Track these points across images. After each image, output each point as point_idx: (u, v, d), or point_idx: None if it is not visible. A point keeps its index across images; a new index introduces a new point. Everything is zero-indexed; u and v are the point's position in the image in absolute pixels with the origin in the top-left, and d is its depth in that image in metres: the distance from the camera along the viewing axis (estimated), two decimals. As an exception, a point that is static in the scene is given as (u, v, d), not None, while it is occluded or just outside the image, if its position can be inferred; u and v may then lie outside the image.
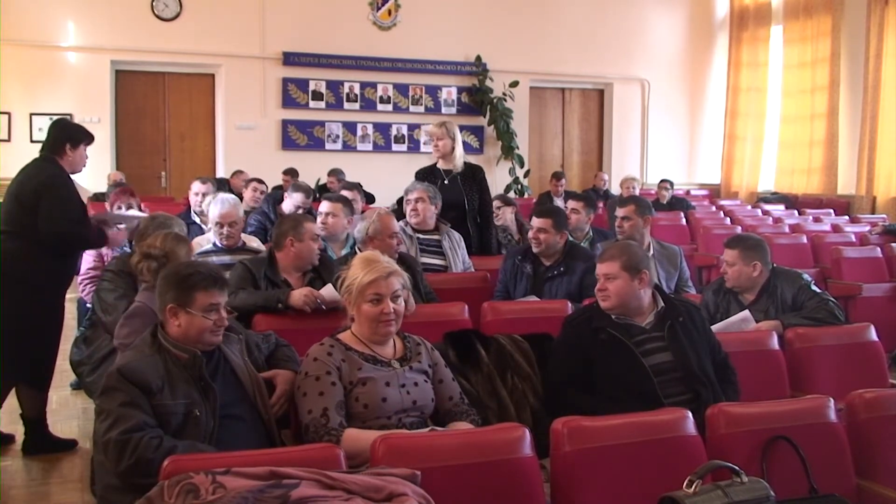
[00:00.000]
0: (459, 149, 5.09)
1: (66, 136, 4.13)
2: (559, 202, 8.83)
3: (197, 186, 6.12)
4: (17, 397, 4.15)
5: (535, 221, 4.34)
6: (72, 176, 4.13)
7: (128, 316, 3.09)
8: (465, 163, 5.12)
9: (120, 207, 5.23)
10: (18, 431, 4.23)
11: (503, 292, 4.40)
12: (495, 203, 6.31)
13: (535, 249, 4.34)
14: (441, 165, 5.10)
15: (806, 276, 4.05)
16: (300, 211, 5.94)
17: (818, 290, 3.99)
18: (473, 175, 5.11)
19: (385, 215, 4.07)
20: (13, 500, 3.62)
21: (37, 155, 4.17)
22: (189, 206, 6.15)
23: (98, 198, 8.33)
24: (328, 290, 3.39)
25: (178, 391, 2.39)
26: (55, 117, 8.55)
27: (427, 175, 5.10)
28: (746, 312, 3.80)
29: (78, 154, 4.15)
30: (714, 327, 3.69)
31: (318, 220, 4.79)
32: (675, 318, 2.99)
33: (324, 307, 3.40)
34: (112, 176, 9.18)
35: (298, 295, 3.39)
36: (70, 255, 4.27)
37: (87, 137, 4.20)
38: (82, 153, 4.18)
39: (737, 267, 3.97)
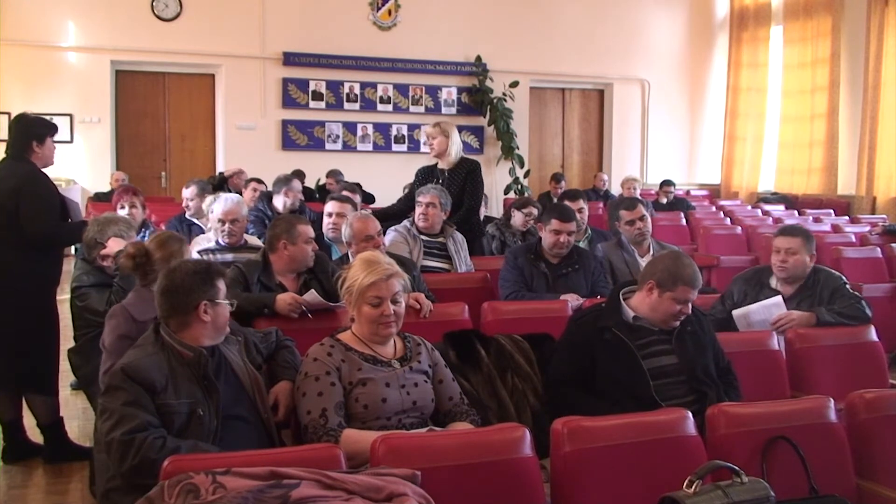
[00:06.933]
0: (455, 146, 5.10)
1: (31, 133, 3.95)
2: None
3: (191, 192, 5.96)
4: (27, 407, 4.07)
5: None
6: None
7: (107, 318, 3.09)
8: (462, 158, 5.12)
9: (123, 207, 5.21)
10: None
11: (520, 288, 4.22)
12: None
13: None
14: (440, 165, 5.14)
15: (844, 278, 3.99)
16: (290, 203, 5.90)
17: (852, 292, 3.92)
18: (466, 169, 5.10)
19: (357, 220, 3.99)
20: (13, 500, 3.62)
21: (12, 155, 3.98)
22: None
23: (100, 198, 8.33)
24: (312, 295, 3.39)
25: (181, 390, 2.38)
26: (56, 117, 8.57)
27: (428, 174, 5.14)
28: (779, 298, 3.74)
29: (47, 148, 3.98)
30: (742, 309, 3.72)
31: (326, 220, 4.78)
32: (683, 323, 3.00)
33: (309, 315, 3.38)
34: (115, 176, 9.17)
35: (283, 303, 3.36)
36: (56, 252, 4.15)
37: (52, 129, 4.04)
38: (51, 146, 4.01)
39: (799, 256, 3.81)
